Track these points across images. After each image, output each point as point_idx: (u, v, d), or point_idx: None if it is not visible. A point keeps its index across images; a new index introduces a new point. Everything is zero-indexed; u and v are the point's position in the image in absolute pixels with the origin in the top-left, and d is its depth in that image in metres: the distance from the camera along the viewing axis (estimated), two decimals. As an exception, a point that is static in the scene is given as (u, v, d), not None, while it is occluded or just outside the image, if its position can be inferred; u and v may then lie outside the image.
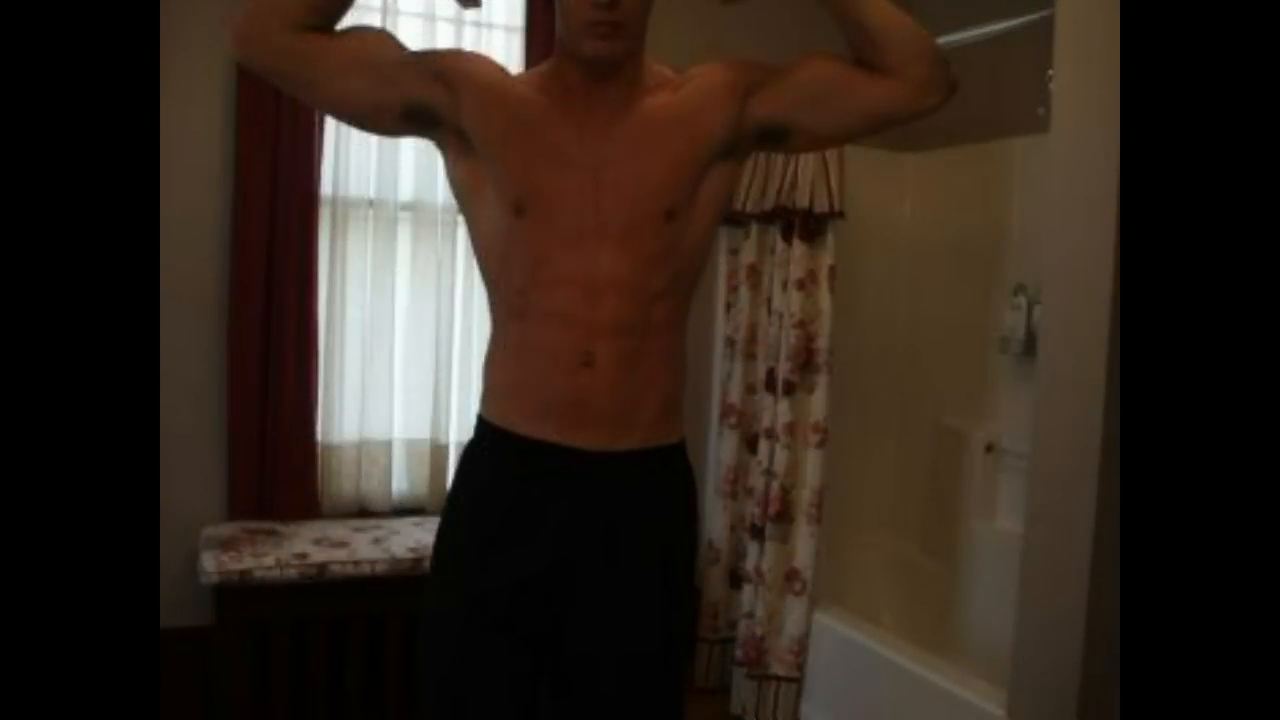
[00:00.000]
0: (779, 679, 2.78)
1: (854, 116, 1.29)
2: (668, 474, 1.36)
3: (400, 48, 1.31)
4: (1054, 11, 1.98)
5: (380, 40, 1.31)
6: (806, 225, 2.81)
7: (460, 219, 1.80)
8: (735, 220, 3.00)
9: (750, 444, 3.00)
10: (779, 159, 2.85)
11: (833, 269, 2.81)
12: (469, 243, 1.43)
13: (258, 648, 2.42)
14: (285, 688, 2.44)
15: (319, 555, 2.43)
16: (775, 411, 2.84)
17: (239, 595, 2.35)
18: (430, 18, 2.85)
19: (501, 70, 1.34)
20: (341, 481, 2.81)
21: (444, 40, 2.85)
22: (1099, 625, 1.85)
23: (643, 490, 1.31)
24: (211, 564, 2.34)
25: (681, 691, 1.42)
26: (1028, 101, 2.60)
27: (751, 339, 3.02)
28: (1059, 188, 1.98)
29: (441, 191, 2.80)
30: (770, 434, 2.85)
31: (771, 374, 2.89)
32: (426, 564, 1.48)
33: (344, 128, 2.60)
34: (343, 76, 1.26)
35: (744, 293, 3.01)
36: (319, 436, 2.76)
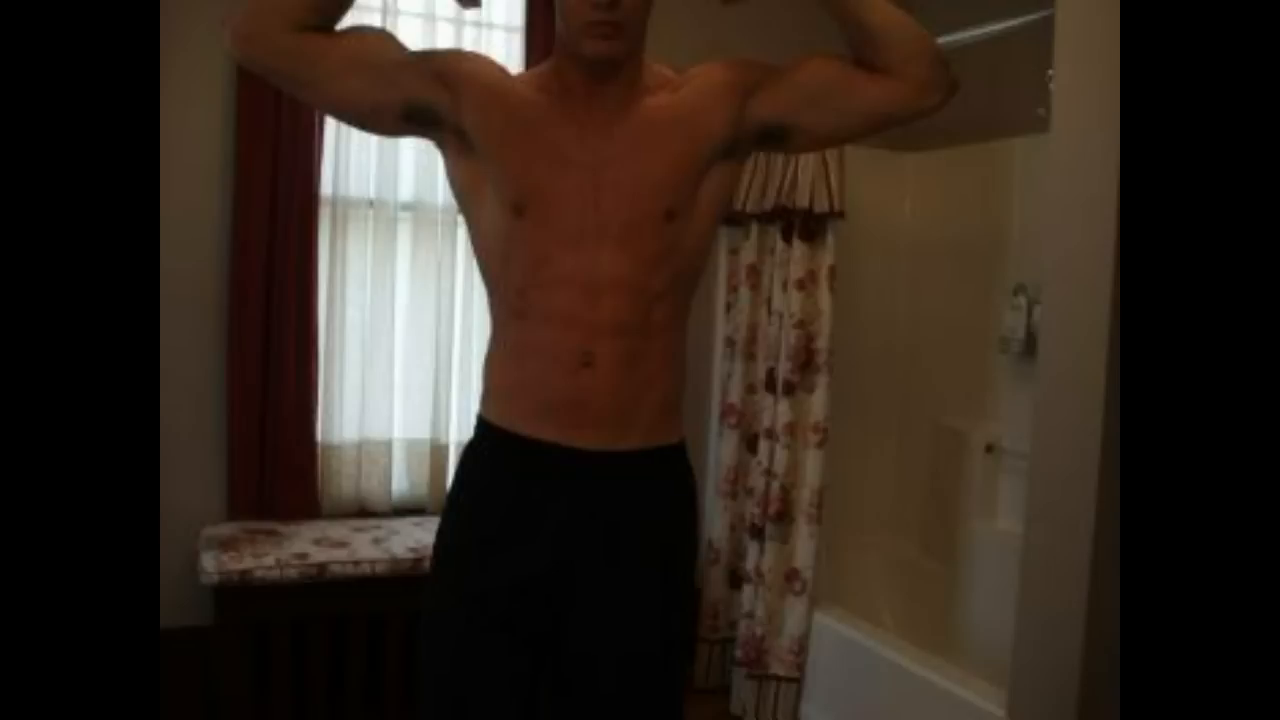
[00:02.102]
0: (779, 679, 2.78)
1: (854, 117, 1.29)
2: (668, 474, 1.36)
3: (400, 48, 1.31)
4: (1054, 11, 1.97)
5: (380, 40, 1.31)
6: (806, 225, 2.81)
7: (460, 219, 1.80)
8: (735, 220, 3.00)
9: (750, 444, 3.00)
10: (779, 159, 2.85)
11: (833, 269, 2.81)
12: (469, 243, 1.43)
13: (258, 648, 2.42)
14: (285, 688, 2.44)
15: (319, 555, 2.43)
16: (775, 411, 2.84)
17: (239, 595, 2.35)
18: (430, 18, 2.85)
19: (502, 70, 1.34)
20: (341, 481, 2.81)
21: (444, 40, 2.85)
22: (1099, 625, 1.85)
23: (643, 490, 1.31)
24: (211, 564, 2.34)
25: (681, 692, 1.42)
26: (1028, 101, 2.60)
27: (751, 339, 3.02)
28: (1059, 188, 1.98)
29: (441, 191, 2.80)
30: (770, 434, 2.85)
31: (771, 374, 2.89)
32: (426, 564, 1.49)
33: (344, 128, 2.60)
34: (343, 77, 1.26)
35: (744, 293, 3.01)
36: (319, 436, 2.76)
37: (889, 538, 3.37)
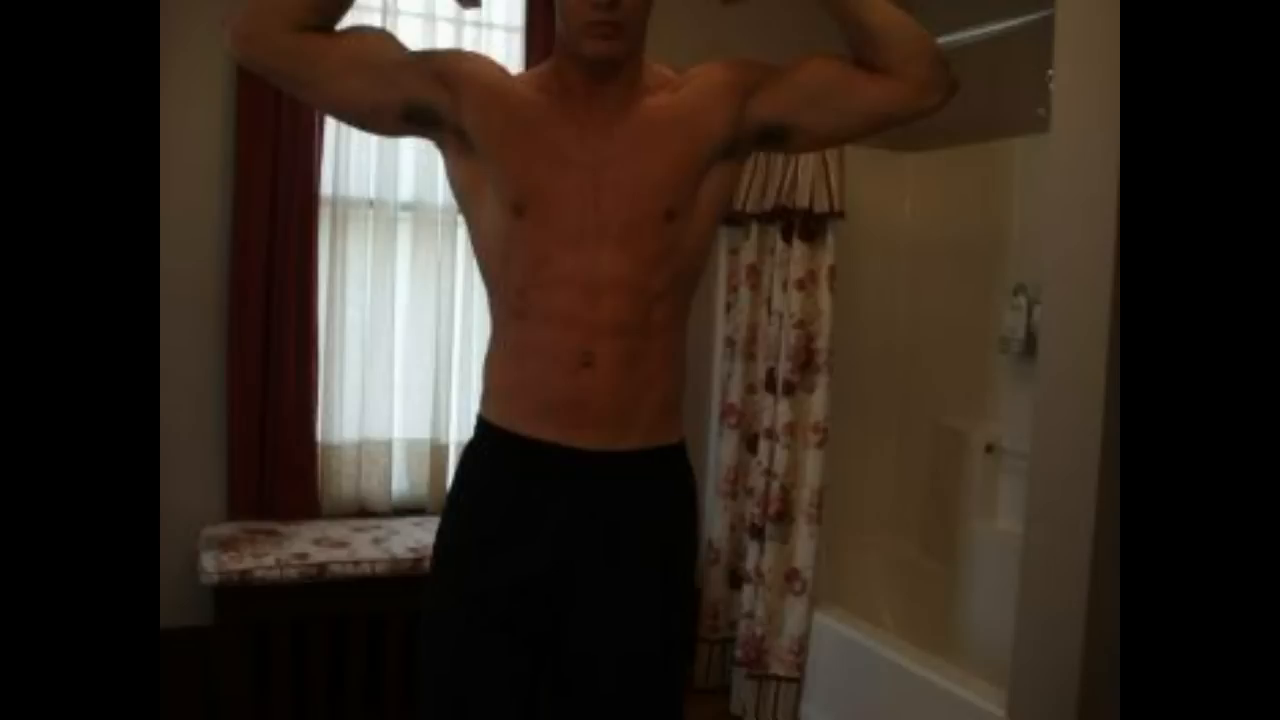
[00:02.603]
0: (779, 679, 2.78)
1: (854, 116, 1.29)
2: (668, 474, 1.36)
3: (401, 48, 1.31)
4: (1054, 11, 1.97)
5: (380, 40, 1.31)
6: (806, 225, 2.81)
7: (460, 219, 1.80)
8: (735, 220, 3.00)
9: (750, 444, 3.00)
10: (779, 159, 2.85)
11: (833, 269, 2.81)
12: (469, 243, 1.43)
13: (258, 648, 2.42)
14: (285, 688, 2.44)
15: (319, 555, 2.43)
16: (775, 411, 2.84)
17: (239, 595, 2.35)
18: (430, 18, 2.85)
19: (502, 70, 1.34)
20: (341, 481, 2.81)
21: (444, 40, 2.85)
22: (1099, 625, 1.85)
23: (643, 490, 1.31)
24: (211, 564, 2.34)
25: (681, 692, 1.42)
26: (1028, 101, 2.60)
27: (751, 339, 3.02)
28: (1059, 188, 1.98)
29: (441, 191, 2.80)
30: (770, 434, 2.85)
31: (771, 374, 2.89)
32: (426, 564, 1.49)
33: (344, 128, 2.60)
34: (343, 77, 1.26)
35: (744, 293, 3.01)
36: (319, 436, 2.76)
37: (889, 538, 3.37)
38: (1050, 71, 2.05)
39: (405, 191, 2.84)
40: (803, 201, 2.80)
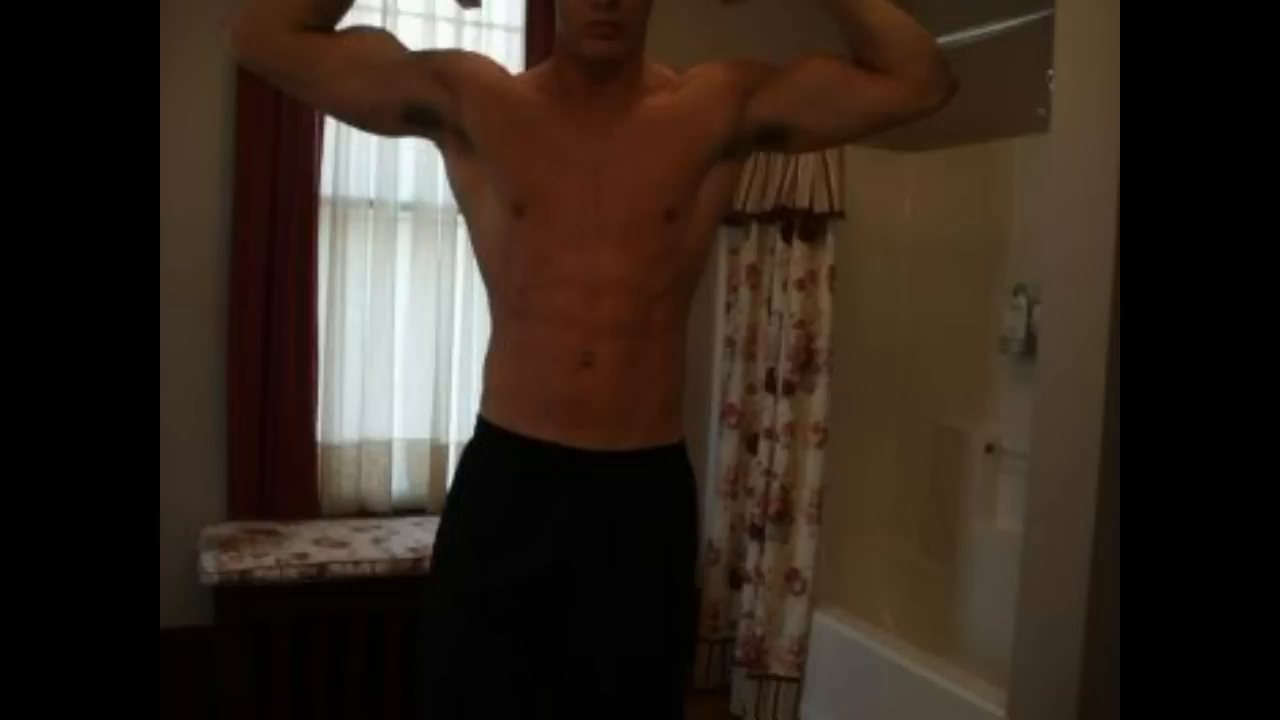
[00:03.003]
0: (779, 679, 2.78)
1: (854, 116, 1.29)
2: (668, 474, 1.36)
3: (401, 48, 1.31)
4: (1054, 11, 1.98)
5: (380, 40, 1.31)
6: (806, 225, 2.81)
7: (460, 219, 1.80)
8: (735, 220, 3.00)
9: (750, 444, 3.00)
10: (779, 159, 2.85)
11: (833, 269, 2.81)
12: (469, 243, 1.44)
13: (258, 648, 2.42)
14: (285, 688, 2.44)
15: (319, 555, 2.43)
16: (775, 411, 2.84)
17: (239, 595, 2.35)
18: (430, 18, 2.85)
19: (502, 70, 1.34)
20: (341, 481, 2.81)
21: (444, 40, 2.85)
22: (1099, 625, 1.85)
23: (643, 490, 1.31)
24: (211, 564, 2.34)
25: (681, 692, 1.42)
26: (1028, 101, 2.60)
27: (751, 339, 3.02)
28: (1059, 188, 1.98)
29: (441, 191, 2.80)
30: (770, 434, 2.85)
31: (771, 374, 2.89)
32: (426, 564, 1.49)
33: (344, 128, 2.60)
34: (343, 77, 1.26)
35: (744, 293, 3.01)
36: (319, 436, 2.76)
37: (889, 538, 3.37)
38: (1050, 71, 2.05)
39: (405, 191, 2.84)
40: (803, 201, 2.80)
